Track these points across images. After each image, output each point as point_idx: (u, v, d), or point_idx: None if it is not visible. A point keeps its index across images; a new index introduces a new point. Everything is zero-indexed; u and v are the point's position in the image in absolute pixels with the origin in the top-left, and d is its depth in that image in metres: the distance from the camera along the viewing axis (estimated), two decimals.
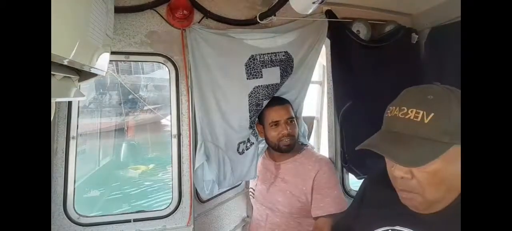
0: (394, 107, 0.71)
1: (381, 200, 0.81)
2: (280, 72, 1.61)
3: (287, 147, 1.46)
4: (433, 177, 0.66)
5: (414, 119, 0.65)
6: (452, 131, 0.63)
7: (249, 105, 1.57)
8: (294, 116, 1.51)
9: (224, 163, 1.61)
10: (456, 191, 0.68)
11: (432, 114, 0.64)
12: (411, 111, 0.66)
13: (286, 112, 1.48)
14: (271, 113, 1.50)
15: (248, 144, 1.65)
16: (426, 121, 0.64)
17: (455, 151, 0.63)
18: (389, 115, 0.72)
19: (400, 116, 0.68)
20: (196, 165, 1.52)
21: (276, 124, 1.47)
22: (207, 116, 1.55)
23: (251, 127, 1.62)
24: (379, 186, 0.79)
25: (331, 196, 1.33)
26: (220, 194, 1.79)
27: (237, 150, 1.63)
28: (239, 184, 1.92)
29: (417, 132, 0.65)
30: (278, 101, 1.54)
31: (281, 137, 1.46)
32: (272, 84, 1.60)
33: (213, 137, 1.57)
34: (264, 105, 1.58)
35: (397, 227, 0.75)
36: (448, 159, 0.64)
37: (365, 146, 0.74)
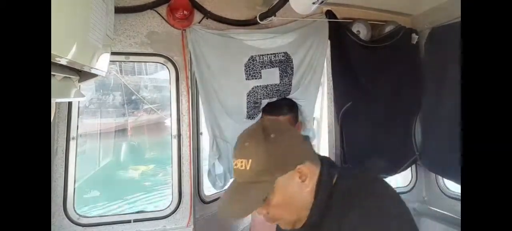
0: (234, 160, 0.75)
1: None
2: (279, 73, 1.61)
3: None
4: (278, 207, 0.73)
5: (241, 168, 0.71)
6: (270, 167, 0.69)
7: (247, 103, 1.59)
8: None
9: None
10: (306, 208, 0.74)
11: (251, 160, 0.69)
12: (239, 162, 0.71)
13: None
14: None
15: None
16: (248, 168, 0.69)
17: (281, 181, 0.70)
18: (233, 168, 0.76)
19: (235, 168, 0.73)
20: (210, 163, 1.56)
21: None
22: (212, 113, 1.57)
23: (252, 118, 1.64)
24: None
25: None
26: None
27: None
28: None
29: (245, 179, 0.71)
30: (274, 112, 1.51)
31: None
32: (271, 85, 1.61)
33: (220, 133, 1.60)
34: (262, 104, 1.60)
35: None
36: (280, 190, 0.70)
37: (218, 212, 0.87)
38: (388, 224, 0.65)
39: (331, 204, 0.72)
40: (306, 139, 0.80)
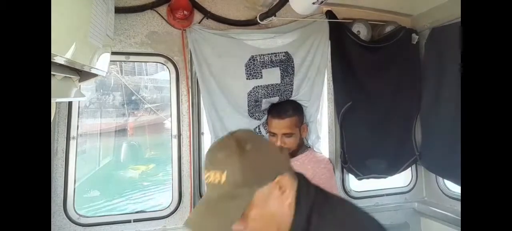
0: (205, 172, 0.70)
1: None
2: (281, 73, 1.61)
3: None
4: (257, 221, 0.68)
5: (214, 181, 0.66)
6: (248, 179, 0.64)
7: (248, 101, 1.60)
8: (292, 132, 1.46)
9: None
10: (286, 223, 0.70)
11: (226, 172, 0.64)
12: (212, 174, 0.66)
13: (283, 127, 1.46)
14: (271, 124, 1.51)
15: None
16: (223, 181, 0.64)
17: (260, 193, 0.66)
18: (205, 181, 0.71)
19: (208, 181, 0.68)
20: None
21: (273, 134, 1.48)
22: (216, 112, 1.57)
23: (255, 118, 1.65)
24: None
25: None
26: None
27: None
28: None
29: (220, 193, 0.65)
30: (279, 113, 1.49)
31: None
32: (272, 84, 1.61)
33: (223, 131, 1.60)
34: (263, 103, 1.61)
35: None
36: (258, 203, 0.66)
37: (186, 225, 0.71)
38: None
39: (312, 220, 0.69)
40: (283, 151, 0.77)
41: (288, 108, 1.50)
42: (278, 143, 1.45)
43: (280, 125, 1.46)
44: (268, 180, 0.67)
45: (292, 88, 1.66)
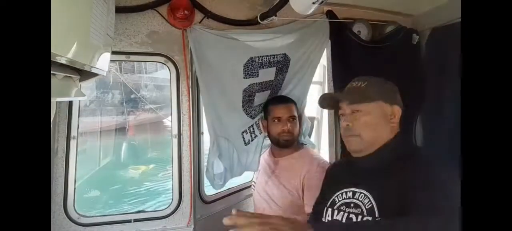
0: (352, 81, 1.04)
1: (340, 175, 1.08)
2: (276, 72, 1.67)
3: (286, 142, 1.54)
4: (365, 122, 0.94)
5: (357, 86, 1.01)
6: (378, 93, 0.96)
7: (242, 97, 1.65)
8: (296, 115, 1.57)
9: (233, 153, 1.69)
10: (381, 140, 0.95)
11: (366, 82, 0.99)
12: (355, 82, 1.02)
13: (288, 111, 1.55)
14: (275, 110, 1.57)
15: (253, 135, 1.74)
16: (363, 86, 0.99)
17: (380, 105, 0.95)
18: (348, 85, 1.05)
19: (349, 86, 1.04)
20: (209, 162, 1.59)
21: (279, 119, 1.54)
22: (215, 112, 1.59)
23: (250, 115, 1.71)
24: (339, 168, 1.16)
25: None
26: (229, 194, 1.79)
27: (243, 140, 1.71)
28: (251, 186, 1.92)
29: (357, 91, 0.98)
30: (283, 100, 1.61)
31: (281, 132, 1.53)
32: (266, 81, 1.67)
33: (222, 131, 1.63)
34: (256, 97, 1.66)
35: (353, 188, 0.95)
36: (376, 110, 0.94)
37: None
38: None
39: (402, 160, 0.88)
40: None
41: (287, 98, 1.63)
42: (284, 127, 1.51)
43: (285, 109, 1.55)
44: (390, 103, 0.96)
45: (283, 82, 1.73)
